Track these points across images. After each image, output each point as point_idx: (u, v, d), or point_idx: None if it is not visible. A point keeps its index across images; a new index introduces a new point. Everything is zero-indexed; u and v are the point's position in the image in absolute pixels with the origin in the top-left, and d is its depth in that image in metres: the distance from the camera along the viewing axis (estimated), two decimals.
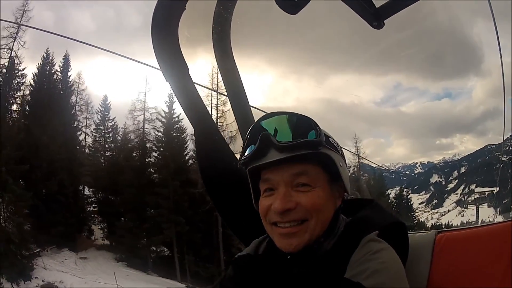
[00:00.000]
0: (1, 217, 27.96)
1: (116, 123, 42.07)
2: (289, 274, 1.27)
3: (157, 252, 37.21)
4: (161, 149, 38.55)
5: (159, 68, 1.88)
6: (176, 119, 37.95)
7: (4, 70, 35.15)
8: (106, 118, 41.97)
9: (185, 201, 34.57)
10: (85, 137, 41.28)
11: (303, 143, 1.23)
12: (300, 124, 1.27)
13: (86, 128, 41.34)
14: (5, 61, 35.30)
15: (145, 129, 39.48)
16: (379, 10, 1.81)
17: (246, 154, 1.30)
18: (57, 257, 31.55)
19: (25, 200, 28.29)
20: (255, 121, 1.34)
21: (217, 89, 29.89)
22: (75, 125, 40.15)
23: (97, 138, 41.71)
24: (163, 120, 38.81)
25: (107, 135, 41.84)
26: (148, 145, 39.68)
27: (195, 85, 1.92)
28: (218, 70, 2.16)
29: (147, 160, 39.32)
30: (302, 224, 1.24)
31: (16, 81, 36.39)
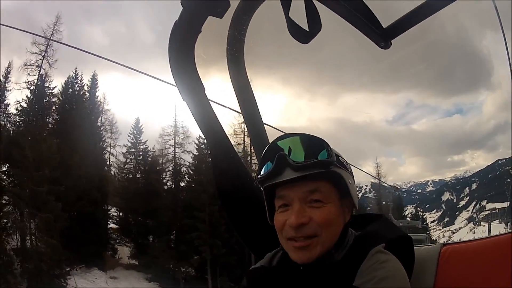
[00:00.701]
0: (34, 238, 28.04)
1: (147, 147, 42.42)
2: (302, 283, 1.33)
3: (186, 273, 37.16)
4: (194, 176, 39.17)
5: (175, 85, 1.96)
6: None
7: (33, 87, 35.17)
8: (138, 141, 42.27)
9: (222, 225, 34.67)
10: (109, 156, 41.48)
11: (316, 163, 1.31)
12: (313, 144, 1.35)
13: (110, 148, 41.56)
14: (33, 78, 35.41)
15: (176, 153, 40.12)
16: (386, 30, 1.87)
17: (262, 172, 1.38)
18: (87, 276, 31.98)
19: (62, 221, 28.52)
20: (269, 139, 1.40)
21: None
22: (102, 145, 40.48)
23: (128, 160, 41.85)
24: (196, 143, 39.61)
25: (138, 158, 42.04)
26: (182, 169, 40.58)
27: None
28: (233, 89, 2.22)
29: (181, 184, 40.19)
30: (314, 238, 1.31)
31: (46, 100, 36.46)
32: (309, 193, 1.32)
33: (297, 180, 1.31)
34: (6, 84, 34.93)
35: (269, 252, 1.60)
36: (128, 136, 42.04)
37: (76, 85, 39.20)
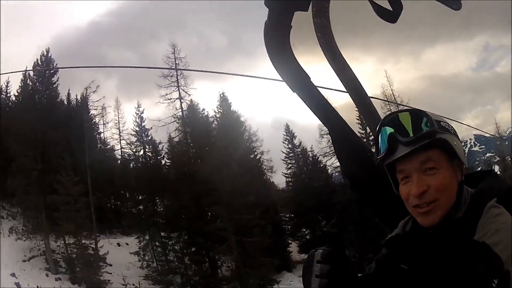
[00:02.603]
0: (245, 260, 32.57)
1: (305, 147, 45.15)
2: (432, 245, 1.50)
3: None
4: None
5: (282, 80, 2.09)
6: None
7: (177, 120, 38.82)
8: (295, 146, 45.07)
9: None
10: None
11: (422, 135, 1.48)
12: (416, 118, 1.52)
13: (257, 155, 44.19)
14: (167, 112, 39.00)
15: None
16: None
17: (380, 153, 1.58)
18: (282, 281, 35.57)
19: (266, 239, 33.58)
20: (377, 113, 1.48)
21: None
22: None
23: (290, 166, 45.02)
24: None
25: (299, 161, 45.08)
26: None
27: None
28: (334, 72, 2.27)
29: None
30: (435, 203, 1.47)
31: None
32: (423, 163, 1.48)
33: (410, 154, 1.48)
34: (142, 124, 39.79)
35: (401, 221, 1.75)
36: (283, 143, 44.85)
37: (202, 114, 41.55)
